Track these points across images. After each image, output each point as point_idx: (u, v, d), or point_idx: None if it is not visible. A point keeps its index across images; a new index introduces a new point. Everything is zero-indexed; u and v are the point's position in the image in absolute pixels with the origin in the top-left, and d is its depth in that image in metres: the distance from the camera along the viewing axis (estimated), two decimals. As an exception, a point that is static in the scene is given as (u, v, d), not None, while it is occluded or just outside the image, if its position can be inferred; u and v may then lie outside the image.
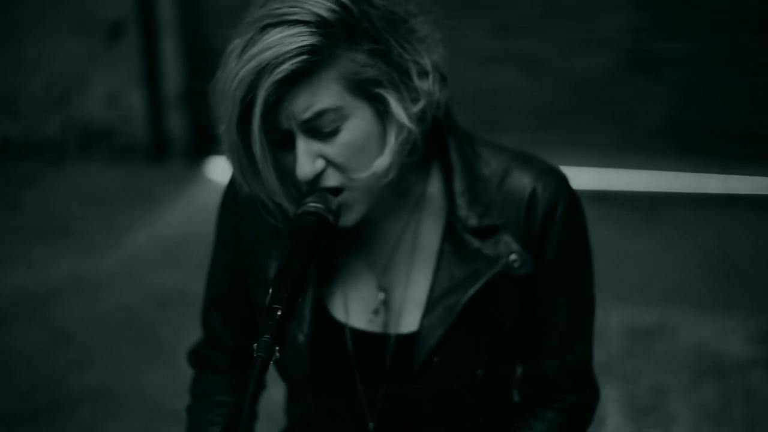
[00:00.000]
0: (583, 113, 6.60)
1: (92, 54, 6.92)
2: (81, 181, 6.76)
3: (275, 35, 1.60)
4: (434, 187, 1.90)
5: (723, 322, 4.63)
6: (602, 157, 6.52)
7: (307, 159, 1.67)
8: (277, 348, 1.51)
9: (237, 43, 1.65)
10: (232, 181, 1.97)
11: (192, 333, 4.74)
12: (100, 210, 6.24)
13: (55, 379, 4.28)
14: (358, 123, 1.67)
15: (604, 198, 6.15)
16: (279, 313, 1.55)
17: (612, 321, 4.60)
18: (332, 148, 1.68)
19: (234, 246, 1.99)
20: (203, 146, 6.89)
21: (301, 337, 1.88)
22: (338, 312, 1.91)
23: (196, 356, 2.16)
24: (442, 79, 1.79)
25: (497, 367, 1.94)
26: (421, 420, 1.95)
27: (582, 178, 6.33)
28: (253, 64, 1.60)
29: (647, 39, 6.36)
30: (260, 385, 1.71)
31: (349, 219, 1.75)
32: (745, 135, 6.36)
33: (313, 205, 1.67)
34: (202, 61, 6.82)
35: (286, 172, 1.73)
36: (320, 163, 1.69)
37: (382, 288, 1.91)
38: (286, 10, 1.62)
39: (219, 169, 6.72)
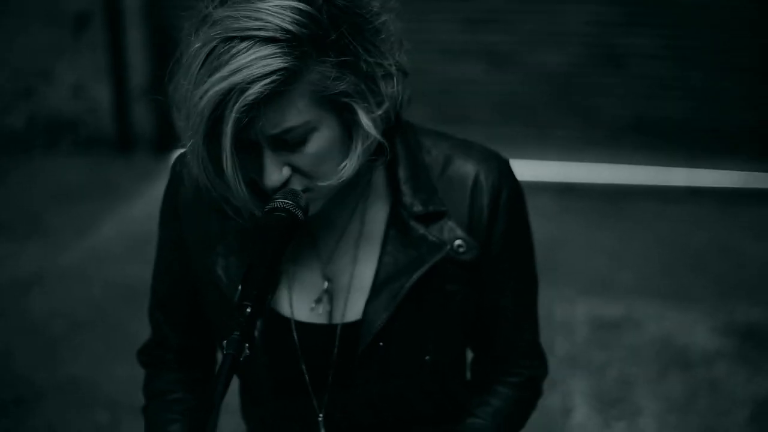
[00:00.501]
0: (549, 107, 6.63)
1: (57, 45, 6.87)
2: (47, 173, 6.71)
3: (243, 56, 1.56)
4: (379, 175, 1.90)
5: (688, 315, 4.67)
6: (567, 151, 6.55)
7: (274, 169, 1.67)
8: (247, 345, 1.52)
9: (198, 50, 1.61)
10: (172, 183, 1.97)
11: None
12: (66, 203, 6.20)
13: (20, 374, 4.26)
14: (325, 132, 1.67)
15: (569, 191, 6.18)
16: (248, 310, 1.54)
17: (578, 313, 4.63)
18: (299, 158, 1.67)
19: (176, 248, 1.98)
20: (169, 139, 6.84)
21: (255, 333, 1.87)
22: (283, 305, 1.91)
23: (146, 356, 2.16)
24: (404, 76, 1.77)
25: (446, 355, 1.95)
26: (372, 412, 1.95)
27: (547, 171, 6.37)
28: (223, 85, 1.56)
29: (613, 33, 6.39)
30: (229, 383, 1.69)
31: (310, 210, 1.74)
32: (708, 129, 6.41)
33: (281, 201, 1.67)
34: (169, 53, 6.75)
35: (253, 176, 1.72)
36: (287, 171, 1.69)
37: (327, 277, 1.90)
38: (251, 23, 1.57)
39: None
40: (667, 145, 6.46)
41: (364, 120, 1.67)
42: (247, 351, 1.52)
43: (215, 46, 1.59)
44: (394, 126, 1.83)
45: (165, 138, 6.91)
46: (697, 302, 4.80)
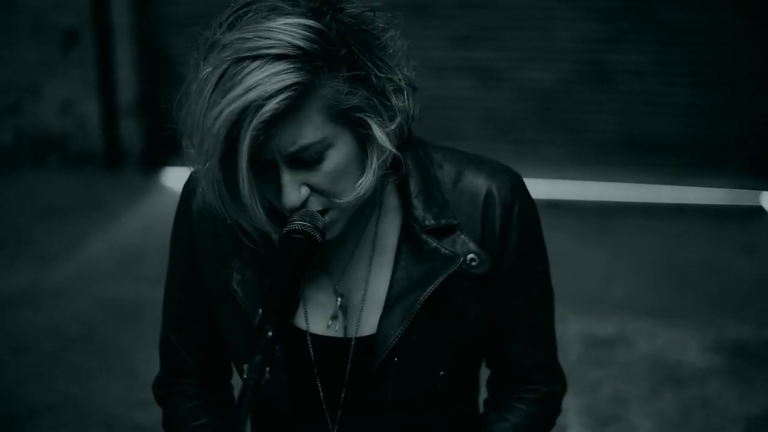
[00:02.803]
0: (538, 123, 6.65)
1: (46, 61, 6.87)
2: (35, 189, 6.70)
3: (257, 74, 1.56)
4: (391, 190, 1.90)
5: (679, 332, 4.69)
6: (555, 167, 6.57)
7: (292, 188, 1.66)
8: (268, 369, 1.50)
9: (210, 74, 1.59)
10: (185, 200, 1.95)
11: (149, 344, 4.70)
12: (55, 219, 6.19)
13: (13, 391, 4.24)
14: (341, 149, 1.66)
15: (558, 207, 6.19)
16: (270, 333, 1.53)
17: (570, 331, 4.63)
18: (317, 177, 1.67)
19: (191, 262, 1.97)
20: (158, 155, 6.84)
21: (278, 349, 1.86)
22: (299, 320, 1.90)
23: (161, 387, 2.11)
24: (413, 90, 1.77)
25: (460, 371, 1.95)
26: (385, 430, 1.94)
27: (536, 187, 6.35)
28: (238, 104, 1.55)
29: (601, 50, 6.43)
30: (251, 408, 1.65)
31: (331, 233, 1.73)
32: (697, 145, 6.45)
33: (299, 223, 1.66)
34: (158, 69, 6.78)
35: (269, 199, 1.71)
36: (305, 191, 1.68)
37: (339, 293, 1.90)
38: (262, 42, 1.57)
39: (174, 179, 6.69)
40: (656, 162, 6.49)
41: (379, 134, 1.66)
42: (268, 375, 1.50)
43: (227, 68, 1.58)
44: (405, 140, 1.83)
45: (154, 154, 6.91)
46: (687, 319, 4.82)
